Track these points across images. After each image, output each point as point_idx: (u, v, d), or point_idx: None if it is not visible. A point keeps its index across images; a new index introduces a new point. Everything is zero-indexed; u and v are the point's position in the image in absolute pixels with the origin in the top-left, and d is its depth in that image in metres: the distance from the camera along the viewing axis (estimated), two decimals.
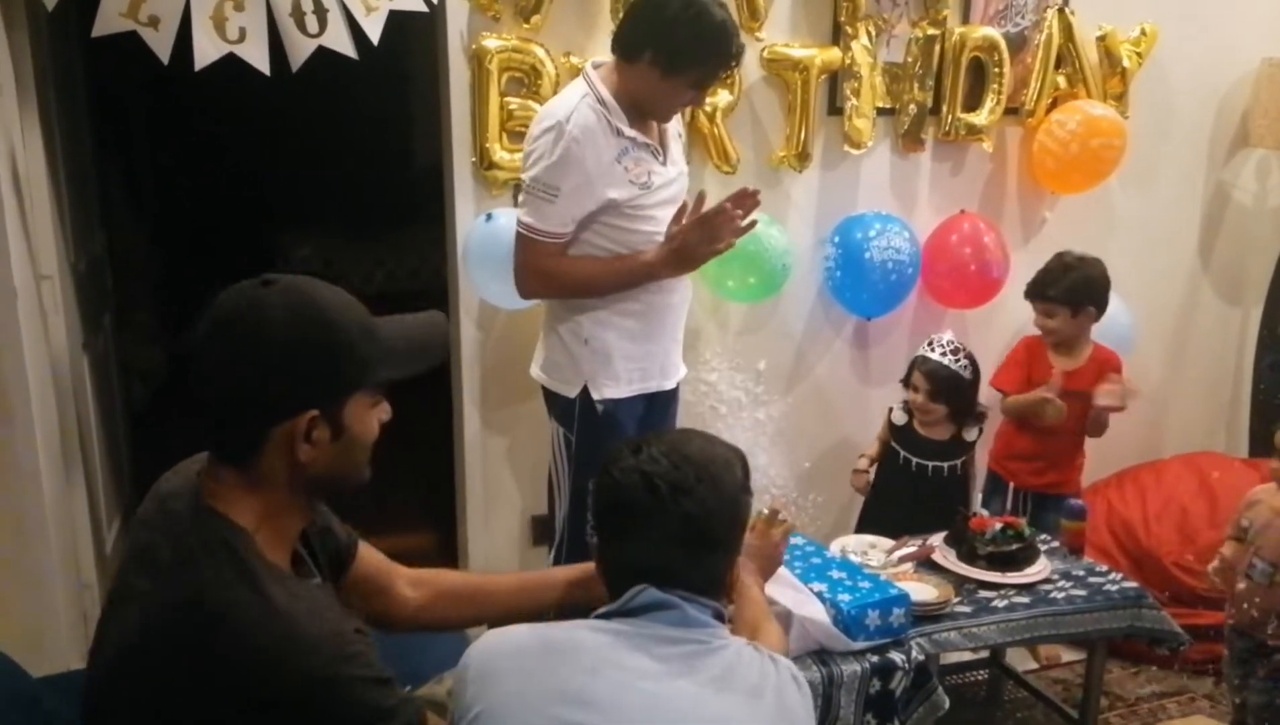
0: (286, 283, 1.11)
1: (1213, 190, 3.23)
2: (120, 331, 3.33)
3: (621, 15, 2.08)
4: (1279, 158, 3.23)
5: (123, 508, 2.97)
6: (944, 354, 2.57)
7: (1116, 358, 2.71)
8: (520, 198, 2.07)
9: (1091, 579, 2.18)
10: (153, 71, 2.34)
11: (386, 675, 1.13)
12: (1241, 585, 2.16)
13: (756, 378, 2.85)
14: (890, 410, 2.70)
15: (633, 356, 2.15)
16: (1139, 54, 2.90)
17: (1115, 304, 2.93)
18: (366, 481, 1.21)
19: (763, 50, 2.58)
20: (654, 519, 1.21)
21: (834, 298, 2.81)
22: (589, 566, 1.47)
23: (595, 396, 2.12)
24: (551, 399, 2.21)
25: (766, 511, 1.68)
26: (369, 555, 1.41)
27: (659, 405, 2.26)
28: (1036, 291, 2.66)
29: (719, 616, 1.24)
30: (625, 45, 2.00)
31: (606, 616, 1.21)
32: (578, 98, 1.99)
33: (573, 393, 2.14)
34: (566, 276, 2.07)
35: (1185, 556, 2.75)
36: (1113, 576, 2.21)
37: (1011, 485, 2.75)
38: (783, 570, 1.78)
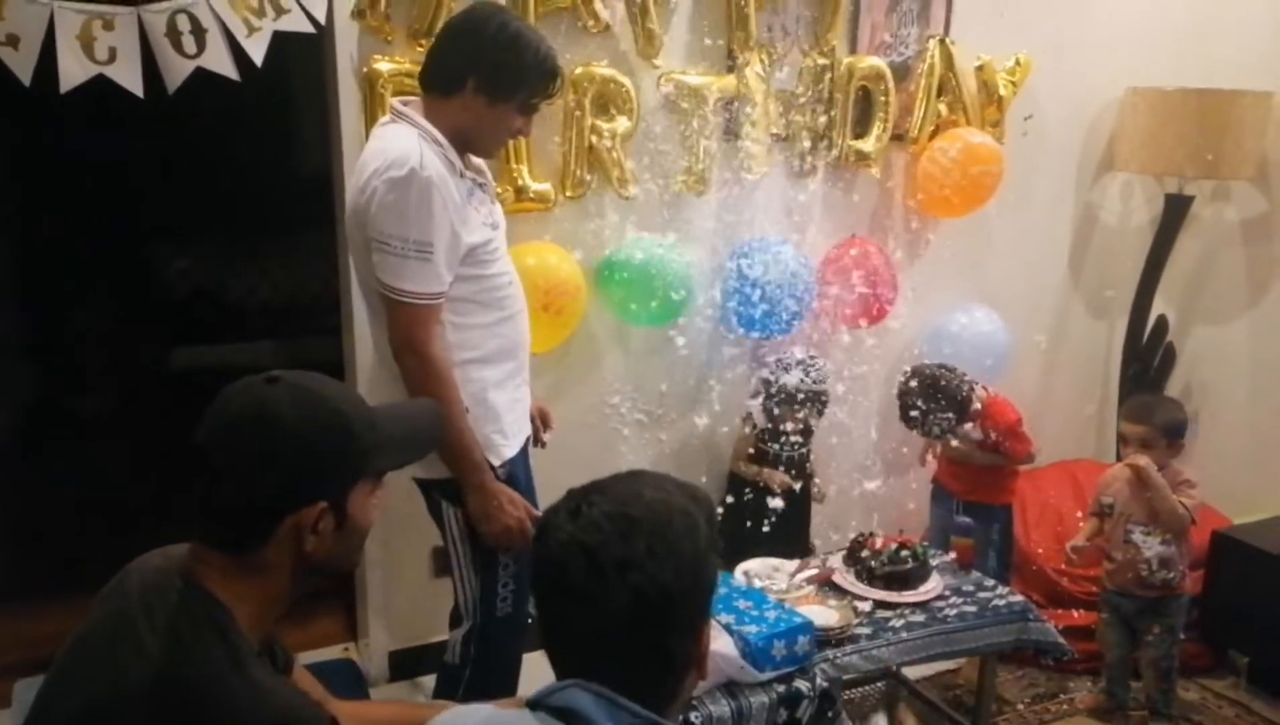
0: (290, 379, 1.15)
1: (1081, 211, 3.41)
2: None
3: (429, 49, 1.90)
4: (1141, 180, 3.44)
5: None
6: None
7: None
8: (379, 260, 1.77)
9: (980, 594, 2.28)
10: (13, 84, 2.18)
11: None
12: (1119, 555, 2.46)
13: (659, 399, 2.87)
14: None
15: (513, 402, 1.98)
16: (1014, 83, 3.04)
17: (993, 320, 3.09)
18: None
19: (660, 77, 2.59)
20: (596, 602, 0.96)
21: (733, 320, 2.85)
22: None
23: (494, 462, 1.91)
24: (430, 487, 1.97)
25: None
26: (303, 678, 1.38)
27: (526, 447, 2.13)
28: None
29: None
30: (443, 77, 1.84)
31: (533, 705, 1.01)
32: (414, 139, 1.78)
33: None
34: (441, 373, 1.82)
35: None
36: (999, 591, 2.31)
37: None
38: None
